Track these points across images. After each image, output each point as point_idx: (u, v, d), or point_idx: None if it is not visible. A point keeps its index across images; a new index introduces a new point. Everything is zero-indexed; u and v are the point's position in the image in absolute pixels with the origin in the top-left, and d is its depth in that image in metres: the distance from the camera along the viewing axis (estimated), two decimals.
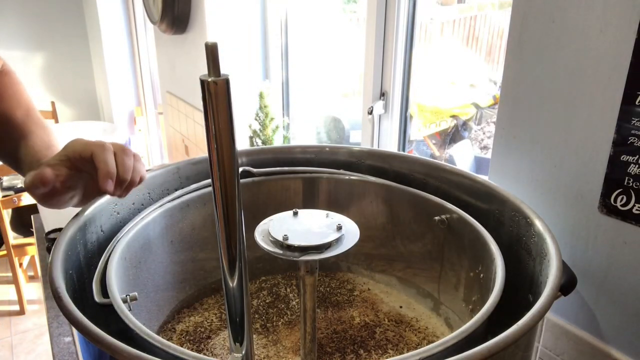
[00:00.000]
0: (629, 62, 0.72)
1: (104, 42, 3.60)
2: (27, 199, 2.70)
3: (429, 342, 0.89)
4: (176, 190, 0.95)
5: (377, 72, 1.44)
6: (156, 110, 3.57)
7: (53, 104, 3.82)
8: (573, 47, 0.79)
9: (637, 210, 0.76)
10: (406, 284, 1.02)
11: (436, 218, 0.90)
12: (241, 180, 0.53)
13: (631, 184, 0.76)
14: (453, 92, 2.46)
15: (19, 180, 3.18)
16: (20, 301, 2.92)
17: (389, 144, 1.51)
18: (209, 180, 0.53)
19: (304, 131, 2.11)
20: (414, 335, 0.91)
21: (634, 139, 0.74)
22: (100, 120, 4.22)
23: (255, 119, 1.76)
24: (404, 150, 1.52)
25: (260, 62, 2.01)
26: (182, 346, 0.76)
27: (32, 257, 3.13)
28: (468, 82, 2.48)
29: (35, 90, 4.01)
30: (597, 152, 0.79)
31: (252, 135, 1.79)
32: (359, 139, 1.62)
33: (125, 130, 3.77)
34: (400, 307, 0.99)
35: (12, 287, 3.00)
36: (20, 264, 3.01)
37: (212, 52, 0.44)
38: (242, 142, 1.88)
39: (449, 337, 0.58)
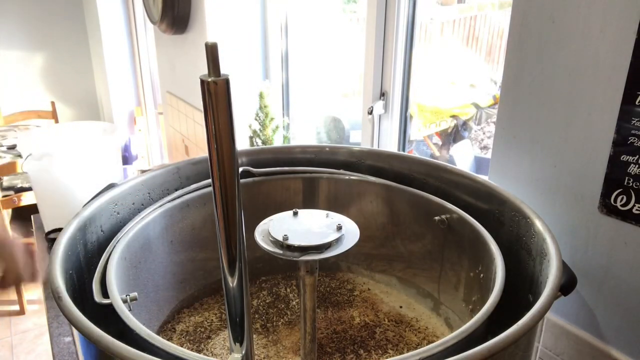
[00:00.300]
0: (629, 62, 0.72)
1: (104, 42, 3.60)
2: (27, 199, 2.69)
3: (429, 342, 0.89)
4: (176, 190, 0.95)
5: (377, 72, 1.44)
6: (156, 110, 3.57)
7: (53, 104, 3.82)
8: (573, 47, 0.79)
9: (637, 210, 0.76)
10: (406, 284, 1.02)
11: (436, 218, 0.90)
12: (241, 180, 0.53)
13: (631, 184, 0.76)
14: (453, 92, 2.47)
15: (19, 180, 3.18)
16: (20, 301, 2.92)
17: (389, 144, 1.51)
18: (209, 180, 0.53)
19: (304, 131, 2.10)
20: (414, 335, 0.91)
21: (634, 139, 0.74)
22: (100, 120, 4.22)
23: (255, 119, 1.76)
24: (404, 150, 1.52)
25: (260, 62, 2.01)
26: (182, 346, 0.76)
27: None
28: (468, 82, 2.48)
29: (35, 90, 4.01)
30: (597, 152, 0.79)
31: (252, 135, 1.79)
32: (359, 139, 1.62)
33: (125, 130, 3.78)
34: (400, 307, 0.99)
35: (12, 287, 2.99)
36: None
37: (212, 52, 0.44)
38: (242, 142, 1.88)
39: (449, 337, 0.58)
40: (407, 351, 0.79)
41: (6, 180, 3.26)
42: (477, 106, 2.32)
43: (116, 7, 3.56)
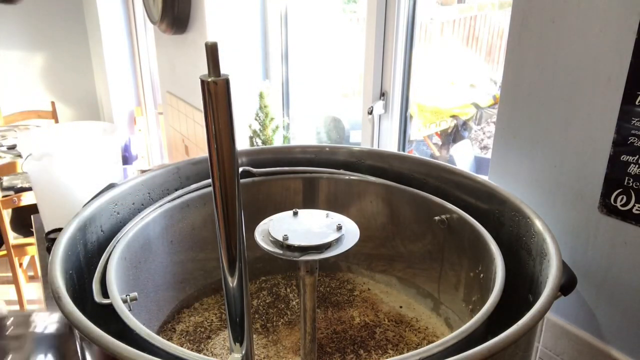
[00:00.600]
0: (629, 62, 0.72)
1: (104, 42, 3.60)
2: (27, 199, 2.70)
3: (429, 342, 0.89)
4: (176, 190, 0.95)
5: (377, 72, 1.44)
6: (156, 110, 3.57)
7: (53, 104, 3.82)
8: (573, 47, 0.79)
9: (637, 210, 0.76)
10: (406, 284, 1.02)
11: (436, 218, 0.90)
12: (241, 180, 0.53)
13: (631, 184, 0.76)
14: (453, 92, 2.47)
15: (19, 180, 3.18)
16: (20, 301, 2.92)
17: (389, 144, 1.51)
18: (209, 180, 0.53)
19: (304, 131, 2.10)
20: (414, 335, 0.91)
21: (634, 139, 0.74)
22: (100, 120, 4.22)
23: (255, 119, 1.76)
24: (404, 150, 1.52)
25: (260, 62, 2.01)
26: (182, 346, 0.76)
27: (32, 257, 3.13)
28: (468, 82, 2.49)
29: (35, 90, 4.01)
30: (597, 152, 0.79)
31: (252, 135, 1.79)
32: (359, 139, 1.62)
33: (125, 130, 3.77)
34: (400, 307, 0.99)
35: (12, 287, 2.99)
36: (20, 264, 3.00)
37: (212, 52, 0.44)
38: (242, 142, 1.88)
39: (449, 337, 0.58)
40: (407, 351, 0.79)
41: (6, 180, 3.26)
42: (477, 106, 2.32)
43: (116, 7, 3.56)
